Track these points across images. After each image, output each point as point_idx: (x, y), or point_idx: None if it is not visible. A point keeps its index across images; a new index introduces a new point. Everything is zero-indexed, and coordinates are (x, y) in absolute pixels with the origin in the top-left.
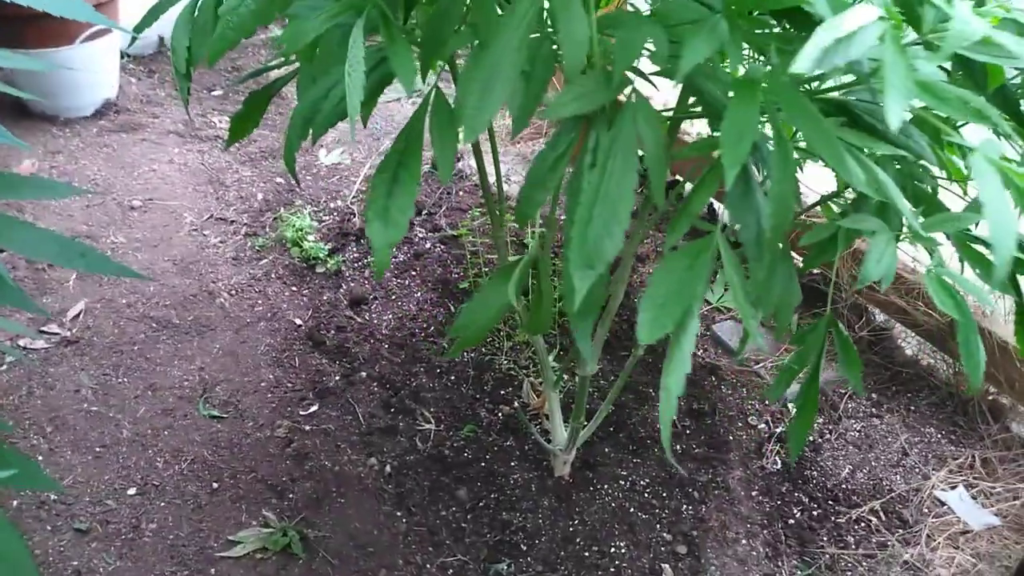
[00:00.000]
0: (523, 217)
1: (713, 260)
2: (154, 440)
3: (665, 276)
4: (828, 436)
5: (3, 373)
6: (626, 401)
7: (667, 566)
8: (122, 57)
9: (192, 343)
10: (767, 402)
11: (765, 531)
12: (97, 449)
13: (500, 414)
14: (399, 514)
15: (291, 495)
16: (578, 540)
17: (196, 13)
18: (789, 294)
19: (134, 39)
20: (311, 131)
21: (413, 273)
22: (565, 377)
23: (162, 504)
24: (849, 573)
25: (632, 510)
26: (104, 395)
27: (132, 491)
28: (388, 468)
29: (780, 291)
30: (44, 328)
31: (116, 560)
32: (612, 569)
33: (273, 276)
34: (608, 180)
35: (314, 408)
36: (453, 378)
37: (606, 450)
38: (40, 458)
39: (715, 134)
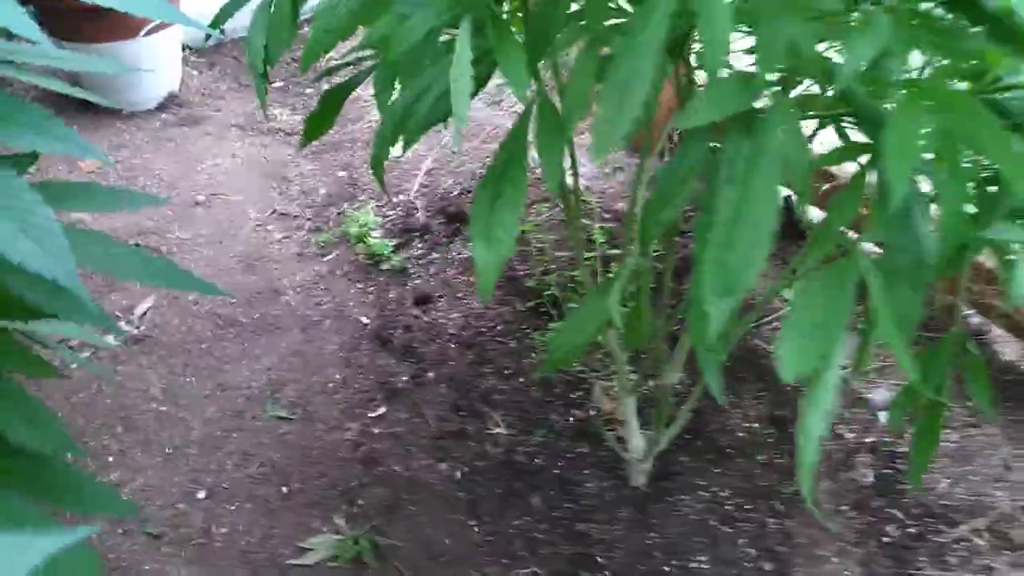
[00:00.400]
0: (648, 238)
1: (857, 283)
2: (223, 442)
3: (807, 303)
4: None
5: (73, 371)
6: (704, 408)
7: None
8: (183, 50)
9: (259, 341)
10: (855, 410)
11: (858, 549)
12: (167, 451)
13: (572, 419)
14: (472, 523)
15: (362, 501)
16: (657, 553)
17: (272, 10)
18: (918, 311)
19: (208, 35)
20: (403, 136)
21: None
22: (639, 381)
23: (232, 508)
24: None
25: (714, 523)
26: (173, 395)
27: (202, 494)
28: (459, 474)
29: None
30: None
31: (187, 565)
32: None
33: (338, 273)
34: (751, 197)
35: (383, 410)
36: (522, 380)
37: (684, 459)
38: (111, 459)
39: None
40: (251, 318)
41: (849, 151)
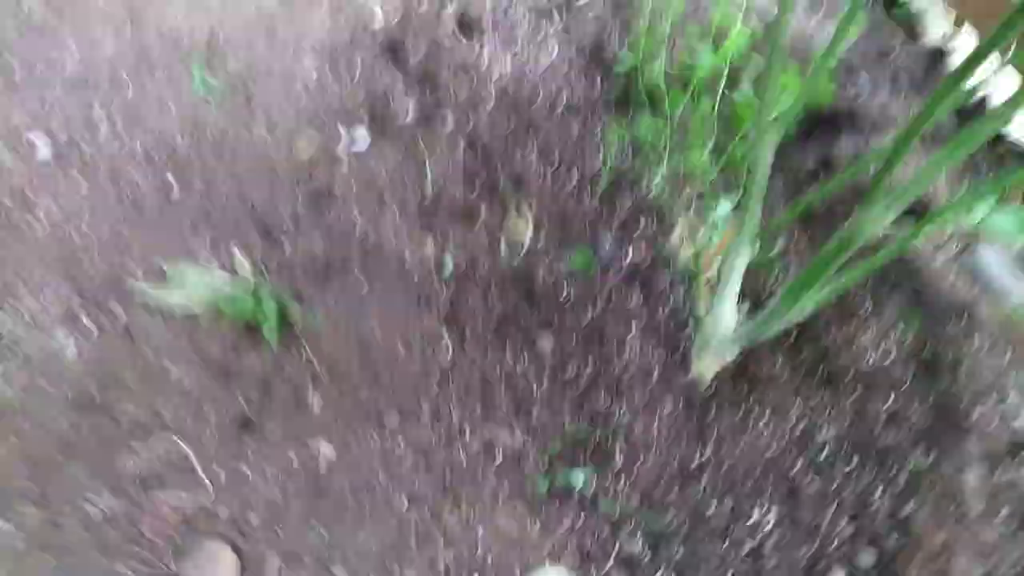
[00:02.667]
0: None
1: None
2: (117, 92)
3: None
4: None
5: None
6: (825, 310)
7: (840, 570)
8: None
9: None
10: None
11: (1008, 569)
12: (39, 72)
13: (634, 252)
14: (447, 336)
15: (287, 243)
16: (703, 484)
17: None
18: None
19: None
20: None
21: (557, 27)
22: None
23: (89, 193)
24: None
25: (797, 467)
26: (58, 8)
27: (49, 150)
28: (451, 265)
29: None
30: None
31: None
32: (747, 544)
33: None
34: None
35: (364, 139)
36: (575, 175)
37: (777, 365)
38: None
39: None
40: None
41: None
